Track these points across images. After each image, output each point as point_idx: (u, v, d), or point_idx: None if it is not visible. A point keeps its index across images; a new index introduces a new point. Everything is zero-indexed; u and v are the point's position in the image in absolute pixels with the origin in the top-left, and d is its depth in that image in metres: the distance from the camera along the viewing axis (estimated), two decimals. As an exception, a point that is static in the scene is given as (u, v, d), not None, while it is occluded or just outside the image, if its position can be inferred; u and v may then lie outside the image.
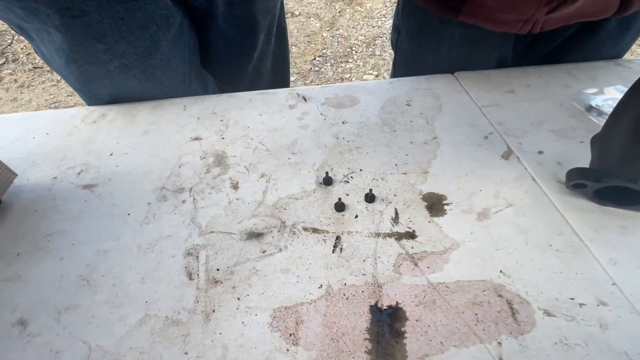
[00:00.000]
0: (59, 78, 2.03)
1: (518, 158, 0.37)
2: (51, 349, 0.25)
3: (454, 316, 0.25)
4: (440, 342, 0.24)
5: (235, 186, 0.36)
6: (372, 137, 0.40)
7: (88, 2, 0.37)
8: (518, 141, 0.38)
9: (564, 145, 0.37)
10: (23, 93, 1.97)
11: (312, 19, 2.28)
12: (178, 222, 0.33)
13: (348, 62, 1.93)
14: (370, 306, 0.26)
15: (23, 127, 0.44)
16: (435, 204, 0.33)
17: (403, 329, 0.25)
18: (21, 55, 2.24)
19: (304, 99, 0.46)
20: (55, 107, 1.85)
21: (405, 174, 0.36)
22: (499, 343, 0.24)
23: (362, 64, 1.94)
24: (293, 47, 2.06)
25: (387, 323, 0.25)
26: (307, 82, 1.85)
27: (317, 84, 1.85)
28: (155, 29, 0.43)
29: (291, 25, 2.25)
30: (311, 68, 1.93)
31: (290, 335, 0.25)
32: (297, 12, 2.34)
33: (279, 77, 0.75)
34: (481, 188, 0.34)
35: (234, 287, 0.28)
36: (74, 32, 0.38)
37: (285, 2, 2.39)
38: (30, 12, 0.37)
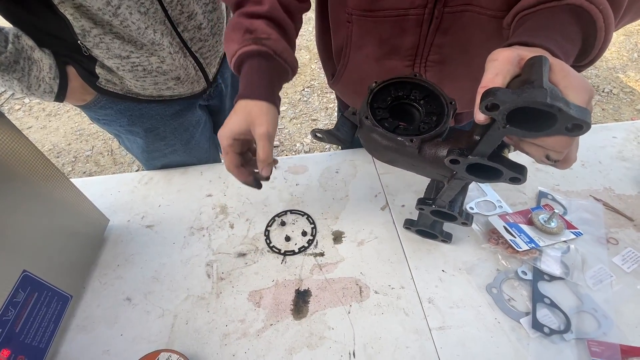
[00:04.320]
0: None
1: (390, 209, 0.65)
2: (145, 311, 0.53)
3: (332, 294, 0.53)
4: (324, 305, 0.52)
5: (232, 226, 0.64)
6: (312, 195, 0.69)
7: (159, 122, 0.67)
8: (393, 198, 0.67)
9: (418, 201, 0.66)
10: (51, 121, 2.26)
11: (302, 50, 2.58)
12: (200, 247, 0.61)
13: (332, 92, 2.23)
14: (296, 290, 0.54)
15: (102, 187, 0.73)
16: (338, 237, 0.61)
17: (309, 300, 0.53)
18: (48, 86, 2.53)
19: (275, 167, 0.75)
20: (80, 134, 2.15)
21: (326, 218, 0.64)
22: (350, 305, 0.52)
23: (344, 93, 2.23)
24: (285, 78, 2.36)
25: (302, 297, 0.53)
26: (296, 110, 2.15)
27: (305, 114, 2.15)
28: (192, 128, 0.73)
29: (284, 57, 2.54)
30: (300, 98, 2.23)
31: (256, 303, 0.53)
32: (289, 45, 2.64)
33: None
34: (364, 228, 0.62)
35: (230, 281, 0.56)
36: (149, 138, 0.69)
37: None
38: (129, 132, 0.67)
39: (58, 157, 2.03)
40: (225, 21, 0.65)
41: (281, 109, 2.21)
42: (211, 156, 0.84)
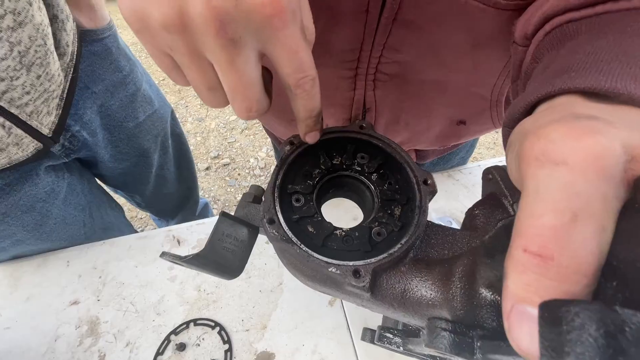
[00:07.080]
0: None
1: (342, 304, 0.45)
2: None
3: None
4: None
5: (102, 359, 0.42)
6: (229, 287, 0.47)
7: None
8: (346, 282, 0.46)
9: (382, 283, 0.46)
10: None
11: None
12: (46, 409, 0.38)
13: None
14: None
15: None
16: (264, 365, 0.40)
17: None
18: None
19: (178, 242, 0.52)
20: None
21: (247, 330, 0.43)
22: None
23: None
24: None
25: None
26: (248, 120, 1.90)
27: (259, 123, 1.90)
28: (42, 203, 0.48)
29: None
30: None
31: None
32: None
33: (183, 172, 0.80)
34: (305, 342, 0.41)
35: None
36: None
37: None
38: None
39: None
40: (50, 38, 0.40)
41: (231, 118, 1.95)
42: (94, 228, 0.58)
